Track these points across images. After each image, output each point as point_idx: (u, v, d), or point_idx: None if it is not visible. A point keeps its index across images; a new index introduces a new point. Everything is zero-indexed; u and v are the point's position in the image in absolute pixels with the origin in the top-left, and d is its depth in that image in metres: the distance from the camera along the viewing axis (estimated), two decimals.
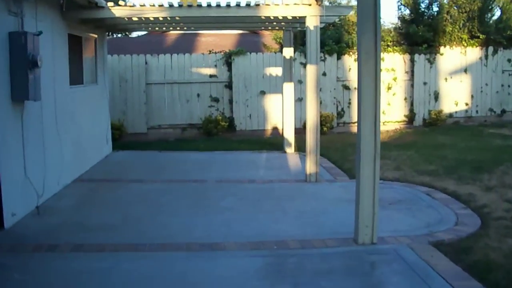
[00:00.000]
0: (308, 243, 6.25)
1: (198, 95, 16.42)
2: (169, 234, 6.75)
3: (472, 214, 7.54)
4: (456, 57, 17.77)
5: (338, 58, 17.11)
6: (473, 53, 17.95)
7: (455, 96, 17.85)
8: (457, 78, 17.83)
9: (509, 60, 18.50)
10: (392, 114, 17.38)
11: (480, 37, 17.79)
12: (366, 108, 5.82)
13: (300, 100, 16.30)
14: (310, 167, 9.64)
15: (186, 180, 10.00)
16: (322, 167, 10.65)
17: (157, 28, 13.27)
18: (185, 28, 13.69)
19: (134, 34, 25.97)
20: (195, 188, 9.41)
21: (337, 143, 14.12)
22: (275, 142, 14.55)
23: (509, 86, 18.63)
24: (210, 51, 16.99)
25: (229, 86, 16.56)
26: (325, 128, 15.90)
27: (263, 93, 16.61)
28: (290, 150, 13.08)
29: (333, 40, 17.16)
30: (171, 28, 14.34)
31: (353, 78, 17.08)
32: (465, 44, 17.74)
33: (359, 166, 5.91)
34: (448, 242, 6.34)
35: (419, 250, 5.94)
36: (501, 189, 8.91)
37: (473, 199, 8.31)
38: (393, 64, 17.31)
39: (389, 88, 17.25)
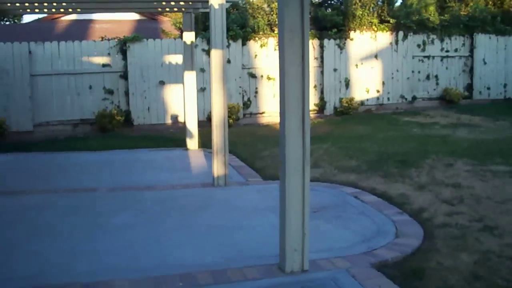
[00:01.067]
0: (222, 275, 4.86)
1: (90, 87, 14.68)
2: (42, 270, 5.17)
3: (411, 221, 6.44)
4: (367, 42, 16.94)
5: (243, 44, 15.83)
6: (384, 38, 17.19)
7: (367, 83, 17.05)
8: (368, 64, 17.02)
9: (418, 46, 17.91)
10: None
11: (390, 22, 17.05)
12: (291, 102, 4.49)
13: (203, 90, 14.95)
14: (218, 168, 8.25)
15: (73, 189, 8.36)
16: (231, 166, 9.32)
17: (37, 10, 11.47)
18: (76, 9, 11.99)
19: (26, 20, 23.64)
20: (84, 199, 7.80)
21: (246, 137, 12.85)
22: (177, 137, 13.09)
23: (419, 72, 18.06)
24: (102, 38, 15.25)
25: (124, 76, 14.93)
26: (230, 120, 14.54)
27: (162, 83, 15.10)
28: (194, 146, 11.66)
29: (238, 25, 15.85)
30: (54, 10, 12.55)
31: (259, 66, 15.89)
32: (376, 29, 16.94)
33: (284, 176, 4.59)
34: (393, 262, 5.19)
35: (362, 278, 4.73)
36: (434, 187, 7.93)
37: (407, 201, 7.25)
38: None
39: None
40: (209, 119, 12.43)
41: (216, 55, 8.29)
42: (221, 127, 8.27)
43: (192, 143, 11.70)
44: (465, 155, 10.17)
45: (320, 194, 7.58)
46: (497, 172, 8.83)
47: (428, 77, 18.22)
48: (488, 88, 19.08)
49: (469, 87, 18.90)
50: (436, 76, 18.34)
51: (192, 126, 11.69)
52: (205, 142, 11.22)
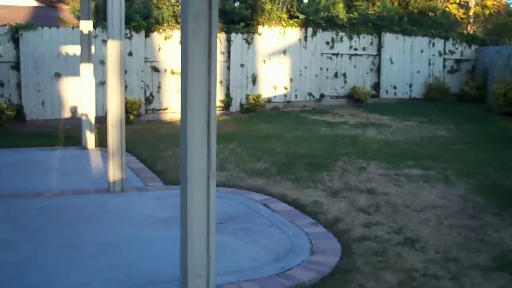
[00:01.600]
0: None
1: None
2: None
3: (326, 233, 5.84)
4: (275, 38, 16.42)
5: (147, 35, 14.88)
6: (293, 34, 16.73)
7: (274, 79, 16.53)
8: (276, 60, 16.51)
9: (327, 43, 17.61)
10: None
11: (300, 17, 16.61)
12: (195, 103, 3.68)
13: (102, 83, 13.87)
14: (114, 172, 7.34)
15: None
16: (129, 168, 8.45)
17: None
18: None
19: None
20: None
21: (147, 135, 11.95)
22: (73, 134, 11.99)
23: (327, 69, 17.76)
24: None
25: (16, 67, 13.64)
26: (131, 117, 13.65)
27: (58, 75, 13.93)
28: (91, 145, 10.63)
29: (141, 15, 14.89)
30: None
31: (163, 59, 15.00)
32: (285, 24, 16.45)
33: (185, 191, 3.80)
34: (310, 286, 4.56)
35: None
36: (348, 193, 7.41)
37: (321, 210, 6.67)
38: None
39: None
40: None
41: (113, 46, 7.37)
42: (117, 126, 7.36)
43: (89, 142, 10.66)
44: (377, 157, 9.79)
45: (226, 202, 6.86)
46: (411, 176, 8.46)
47: (336, 75, 17.96)
48: (395, 88, 19.08)
49: (376, 86, 18.82)
50: (344, 74, 18.12)
51: (89, 122, 10.66)
52: (104, 140, 10.23)
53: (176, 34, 15.04)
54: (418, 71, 19.43)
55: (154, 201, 7.06)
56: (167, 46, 15.05)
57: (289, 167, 8.86)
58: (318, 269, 4.84)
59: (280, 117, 14.82)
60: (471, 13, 27.76)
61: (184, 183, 3.76)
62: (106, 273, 4.70)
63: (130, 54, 14.41)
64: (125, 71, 13.99)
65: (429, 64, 19.67)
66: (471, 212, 6.73)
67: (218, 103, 15.69)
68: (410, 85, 19.39)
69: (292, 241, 5.54)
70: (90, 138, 10.63)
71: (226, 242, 5.42)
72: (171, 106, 15.14)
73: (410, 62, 19.27)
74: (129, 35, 14.40)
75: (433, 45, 19.61)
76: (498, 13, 29.18)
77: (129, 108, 13.48)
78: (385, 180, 8.17)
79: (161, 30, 15.01)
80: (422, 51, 19.43)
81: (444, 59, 19.88)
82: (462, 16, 27.16)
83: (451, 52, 19.96)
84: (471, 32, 25.26)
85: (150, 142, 11.12)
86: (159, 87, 15.05)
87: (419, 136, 12.18)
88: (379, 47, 18.66)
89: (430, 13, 21.55)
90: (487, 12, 28.18)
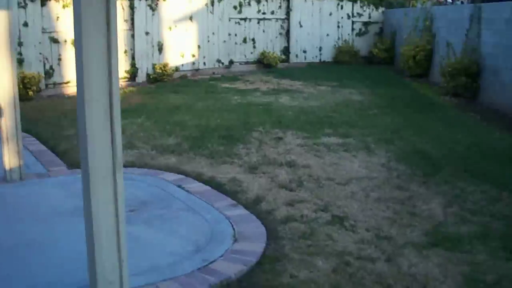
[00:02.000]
0: None
1: None
2: None
3: (248, 215, 5.36)
4: (181, 3, 15.60)
5: (43, 4, 13.59)
6: None
7: (181, 47, 15.78)
8: (182, 27, 15.73)
9: (235, 7, 17.02)
10: None
11: None
12: (91, 80, 3.01)
13: None
14: (10, 160, 6.48)
15: None
16: (29, 152, 7.60)
17: None
18: None
19: None
20: None
21: (48, 112, 10.98)
22: None
23: (236, 35, 17.20)
24: None
25: None
26: (30, 93, 12.58)
27: None
28: None
29: None
30: None
31: (62, 29, 13.86)
32: None
33: (88, 189, 3.16)
34: (237, 280, 4.07)
35: None
36: (268, 168, 6.96)
37: (240, 188, 6.19)
38: None
39: None
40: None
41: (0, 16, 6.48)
42: (10, 107, 6.47)
43: None
44: (293, 125, 9.40)
45: (137, 185, 6.24)
46: (330, 145, 8.11)
47: (245, 40, 17.44)
48: (305, 52, 18.81)
49: (286, 50, 18.48)
50: (253, 40, 17.63)
51: None
52: None
53: None
54: (328, 34, 19.24)
55: (57, 189, 6.28)
56: (65, 15, 13.90)
57: (202, 141, 8.30)
58: (244, 260, 4.35)
59: (189, 86, 14.15)
60: None
61: (86, 180, 3.13)
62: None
63: (26, 25, 13.21)
64: (21, 44, 13.04)
65: (338, 27, 19.52)
66: (396, 182, 6.45)
67: (123, 74, 14.82)
68: (320, 49, 19.19)
69: (213, 228, 5.02)
70: None
71: (140, 234, 4.82)
72: (73, 79, 14.12)
73: (319, 26, 19.03)
74: (23, 4, 13.18)
75: (342, 7, 19.46)
76: None
77: (27, 84, 12.43)
78: (304, 151, 7.78)
79: None
80: (331, 14, 19.23)
81: (353, 22, 19.80)
82: None
83: (359, 15, 19.89)
84: None
85: (52, 120, 10.19)
86: (59, 59, 13.93)
87: (334, 101, 11.89)
88: (288, 11, 18.28)
89: None
90: None
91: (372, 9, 20.03)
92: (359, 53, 19.49)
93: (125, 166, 6.57)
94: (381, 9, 20.09)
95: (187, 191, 6.07)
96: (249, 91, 13.29)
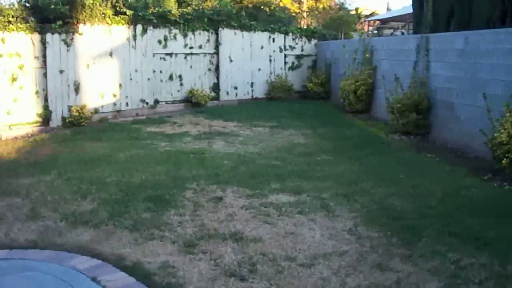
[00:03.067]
0: None
1: None
2: None
3: None
4: (100, 38, 14.01)
5: None
6: (120, 32, 14.44)
7: (101, 86, 14.15)
8: (101, 64, 14.12)
9: (160, 42, 15.61)
10: (21, 113, 12.82)
11: (127, 14, 14.34)
12: None
13: None
14: None
15: None
16: None
17: None
18: None
19: None
20: None
21: None
22: None
23: (161, 71, 15.76)
24: None
25: None
26: None
27: None
28: None
29: None
30: None
31: None
32: (110, 22, 14.08)
33: None
34: None
35: None
36: (208, 244, 5.47)
37: (175, 280, 4.66)
38: (18, 47, 12.68)
39: (14, 80, 12.66)
40: None
41: None
42: None
43: None
44: (233, 180, 7.96)
45: (39, 280, 4.62)
46: (281, 205, 6.72)
47: (171, 77, 16.01)
48: (235, 88, 17.53)
49: (216, 87, 17.13)
50: (180, 76, 16.23)
51: None
52: None
53: None
54: (259, 69, 18.07)
55: None
56: None
57: (124, 206, 6.71)
58: None
59: (109, 131, 12.50)
60: (305, 7, 27.06)
61: None
62: None
63: None
64: None
65: (270, 61, 18.40)
66: (373, 257, 5.10)
67: (35, 118, 13.07)
68: (252, 84, 17.98)
69: None
70: None
71: None
72: None
73: (250, 60, 17.83)
74: None
75: (273, 40, 18.37)
76: (330, 7, 28.90)
77: None
78: (251, 216, 6.33)
79: None
80: (262, 47, 18.09)
81: (285, 55, 18.74)
82: (297, 10, 26.37)
83: (292, 48, 18.90)
84: (305, 26, 24.49)
85: None
86: None
87: (275, 146, 10.55)
88: (217, 45, 16.97)
89: (265, 8, 20.33)
90: (321, 6, 27.70)
91: (305, 42, 19.07)
92: (293, 88, 18.40)
93: (24, 247, 5.00)
94: (313, 42, 19.14)
95: (103, 287, 4.49)
96: (177, 136, 11.79)
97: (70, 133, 12.32)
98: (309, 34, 19.25)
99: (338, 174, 8.24)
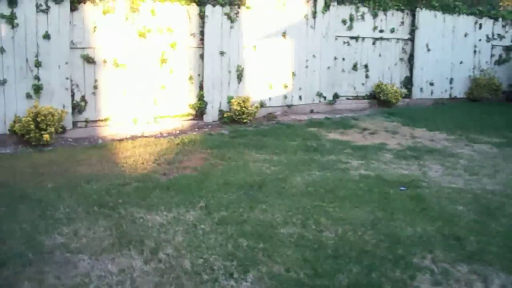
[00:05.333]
0: None
1: None
2: None
3: None
4: (271, 13, 11.14)
5: (74, 8, 9.38)
6: (296, 7, 11.48)
7: (269, 73, 11.27)
8: (271, 46, 11.24)
9: (344, 22, 12.41)
10: (170, 103, 10.24)
11: None
12: None
13: (2, 83, 8.62)
14: None
15: None
16: None
17: None
18: None
19: None
20: None
21: (46, 180, 6.58)
22: None
23: (343, 59, 12.55)
24: None
25: None
26: (46, 135, 8.44)
27: None
28: None
29: None
30: None
31: (101, 44, 9.66)
32: None
33: None
34: None
35: None
36: None
37: None
38: (171, 21, 10.06)
39: (163, 61, 10.09)
40: (14, 131, 8.43)
41: None
42: None
43: None
44: (487, 252, 4.60)
45: None
46: None
47: (355, 67, 12.82)
48: (431, 84, 14.05)
49: (408, 82, 13.71)
50: (366, 66, 13.03)
51: None
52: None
53: (121, 4, 9.73)
54: (461, 62, 14.45)
55: None
56: (107, 23, 9.64)
57: None
58: None
59: (278, 134, 9.52)
60: None
61: None
62: None
63: (47, 36, 9.02)
64: (39, 64, 8.91)
65: (475, 52, 14.77)
66: None
67: (187, 110, 10.49)
68: (451, 81, 14.37)
69: None
70: None
71: None
72: (114, 115, 9.86)
73: (451, 50, 14.19)
74: (44, 7, 9.00)
75: (480, 26, 14.70)
76: None
77: (41, 123, 8.34)
78: None
79: (96, 0, 9.60)
80: (466, 34, 14.43)
81: (492, 46, 14.87)
82: None
83: (500, 37, 15.02)
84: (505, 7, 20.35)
85: (34, 203, 5.79)
86: (95, 87, 9.67)
87: None
88: (413, 29, 13.53)
89: None
90: None
91: None
92: (501, 87, 14.57)
93: None
94: None
95: None
96: (372, 150, 8.54)
97: (228, 135, 9.50)
98: None
99: None
